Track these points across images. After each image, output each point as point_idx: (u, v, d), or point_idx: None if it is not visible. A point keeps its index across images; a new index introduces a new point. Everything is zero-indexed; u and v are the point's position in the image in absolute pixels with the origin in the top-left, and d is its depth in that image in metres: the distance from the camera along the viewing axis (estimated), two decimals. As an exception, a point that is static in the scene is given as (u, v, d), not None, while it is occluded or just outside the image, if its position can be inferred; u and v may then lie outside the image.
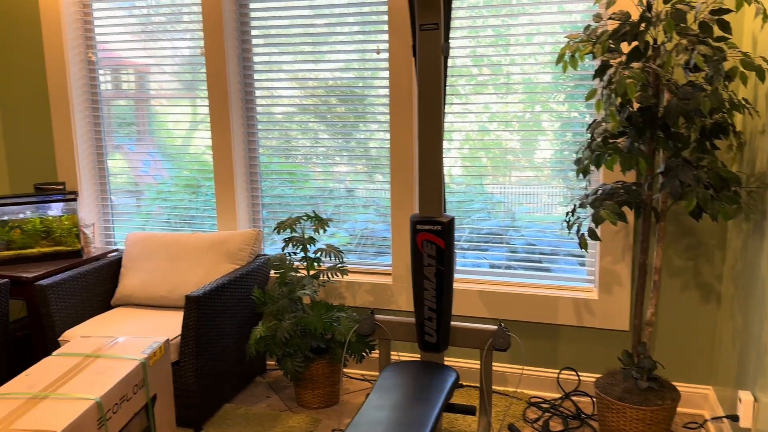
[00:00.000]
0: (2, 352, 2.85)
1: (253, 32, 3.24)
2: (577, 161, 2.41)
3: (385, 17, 3.02)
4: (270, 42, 3.23)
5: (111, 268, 3.19)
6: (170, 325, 2.80)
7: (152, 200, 3.60)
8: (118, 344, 2.24)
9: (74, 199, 3.29)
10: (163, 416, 2.27)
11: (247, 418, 2.81)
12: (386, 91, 3.10)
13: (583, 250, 2.35)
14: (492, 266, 3.13)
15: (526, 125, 2.94)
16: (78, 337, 2.35)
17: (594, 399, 2.94)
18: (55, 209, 3.30)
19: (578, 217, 2.43)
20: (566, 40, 2.79)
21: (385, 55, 3.07)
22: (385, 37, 3.05)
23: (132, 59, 3.47)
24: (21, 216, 3.25)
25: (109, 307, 3.18)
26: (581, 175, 2.40)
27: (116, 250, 3.49)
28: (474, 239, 3.13)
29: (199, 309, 2.62)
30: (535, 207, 3.03)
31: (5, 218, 3.22)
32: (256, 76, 3.29)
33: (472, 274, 3.15)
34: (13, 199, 3.23)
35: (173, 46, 3.37)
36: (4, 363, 2.87)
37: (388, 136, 3.14)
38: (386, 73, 3.08)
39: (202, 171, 3.49)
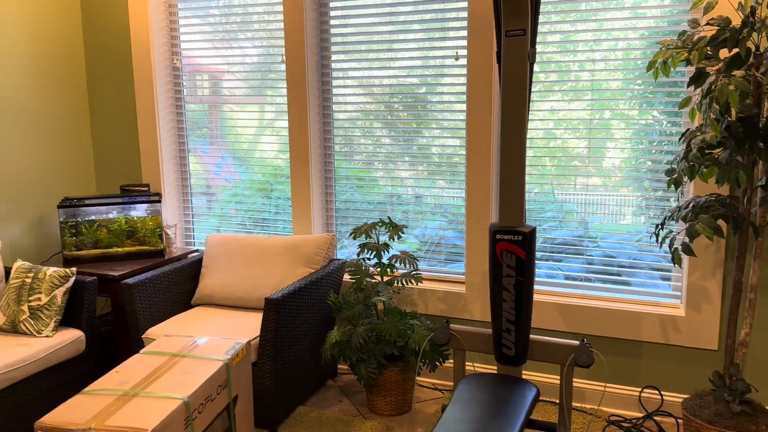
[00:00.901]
0: (90, 348, 2.97)
1: (333, 39, 3.27)
2: (669, 171, 2.31)
3: (465, 23, 2.99)
4: (347, 48, 3.25)
5: (192, 268, 3.28)
6: (248, 326, 2.85)
7: (227, 202, 3.69)
8: (202, 344, 2.30)
9: (158, 201, 3.41)
10: (243, 417, 2.31)
11: (320, 422, 2.83)
12: (462, 98, 3.07)
13: (676, 265, 2.24)
14: (567, 278, 3.04)
15: (595, 132, 2.85)
16: (163, 336, 2.42)
17: (679, 420, 2.81)
18: (140, 210, 3.42)
19: (670, 231, 2.32)
20: (638, 45, 2.69)
21: (462, 62, 3.03)
22: (464, 42, 3.02)
23: (209, 65, 3.56)
24: (107, 216, 3.39)
25: (189, 306, 3.27)
26: (673, 187, 2.29)
27: (196, 251, 3.59)
28: (547, 249, 3.06)
29: (277, 311, 2.65)
30: (608, 216, 2.92)
31: (93, 218, 3.37)
32: (334, 83, 3.32)
33: (547, 286, 3.07)
34: (101, 200, 3.37)
35: (246, 53, 3.44)
36: (92, 358, 2.99)
37: (461, 142, 3.11)
38: (461, 80, 3.04)
39: (273, 175, 3.54)
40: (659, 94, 2.72)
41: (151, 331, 2.87)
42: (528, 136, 2.96)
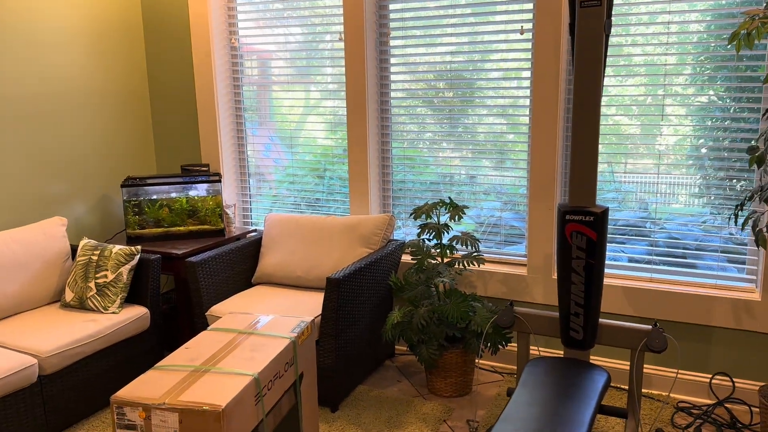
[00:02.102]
0: (154, 325, 3.03)
1: (392, 15, 3.21)
2: (752, 149, 2.19)
3: (531, -4, 2.90)
4: (405, 25, 3.19)
5: (251, 248, 3.30)
6: (309, 305, 2.85)
7: (280, 183, 3.69)
8: (268, 322, 2.30)
9: (219, 180, 3.43)
10: (308, 394, 2.31)
11: (380, 401, 2.82)
12: (525, 74, 2.98)
13: (762, 248, 2.14)
14: (630, 260, 2.94)
15: (649, 110, 2.73)
16: (228, 313, 2.44)
17: (753, 407, 2.70)
18: (200, 189, 3.45)
19: (754, 211, 2.21)
20: (694, 18, 2.55)
21: (527, 36, 2.94)
22: (530, 16, 2.92)
23: (261, 46, 3.55)
24: (169, 195, 3.43)
25: (250, 285, 3.30)
26: (755, 165, 2.18)
27: (255, 230, 3.62)
28: (610, 231, 2.95)
29: (339, 291, 2.65)
30: (670, 198, 2.80)
31: (155, 197, 3.42)
32: (392, 61, 3.27)
33: (611, 269, 2.98)
34: (163, 179, 3.41)
35: (299, 33, 3.42)
36: (156, 335, 3.05)
37: (514, 121, 3.02)
38: (526, 55, 2.95)
39: (325, 156, 3.52)
40: (722, 70, 2.58)
41: (215, 309, 2.90)
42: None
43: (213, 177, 3.43)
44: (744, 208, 2.26)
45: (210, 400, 1.78)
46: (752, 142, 2.60)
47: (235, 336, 2.20)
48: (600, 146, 2.88)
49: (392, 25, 3.23)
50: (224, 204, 3.53)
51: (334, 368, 2.71)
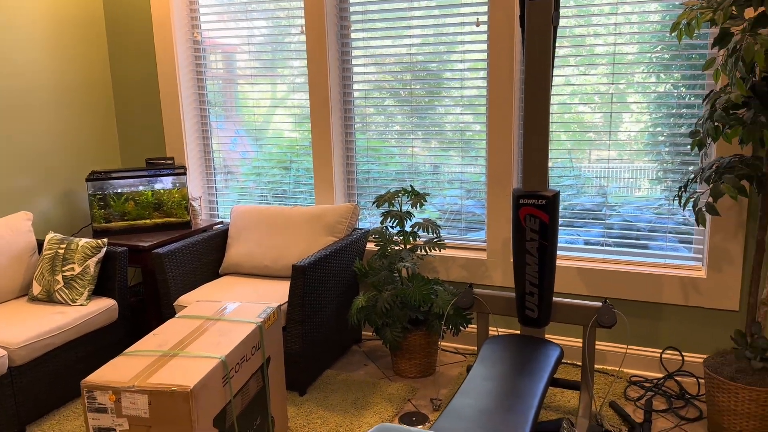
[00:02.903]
0: (123, 316, 3.06)
1: (352, 8, 3.28)
2: (693, 133, 2.32)
3: (486, -11, 2.99)
4: (366, 18, 3.26)
5: (218, 239, 3.35)
6: (276, 293, 2.92)
7: (247, 175, 3.74)
8: (235, 309, 2.37)
9: (184, 173, 3.47)
10: (275, 378, 2.38)
11: (347, 384, 2.91)
12: (482, 65, 3.08)
13: (700, 225, 2.27)
14: (587, 243, 3.07)
15: (610, 100, 2.86)
16: (195, 302, 2.50)
17: (700, 379, 2.86)
18: (165, 183, 3.48)
19: (694, 192, 2.34)
20: (654, 8, 2.69)
21: (483, 28, 3.04)
22: (485, 9, 3.02)
23: (224, 39, 3.59)
24: (134, 189, 3.46)
25: (217, 276, 3.35)
26: (696, 148, 2.31)
27: (221, 222, 3.66)
28: (567, 215, 3.09)
29: (305, 278, 2.72)
30: (627, 183, 2.94)
31: (120, 191, 3.44)
32: (356, 53, 3.34)
33: (568, 251, 3.11)
34: (128, 173, 3.43)
35: (262, 27, 3.47)
36: (124, 327, 3.09)
37: (476, 111, 3.13)
38: (482, 46, 3.05)
39: (291, 148, 3.59)
40: (678, 58, 2.72)
41: (182, 299, 2.95)
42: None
43: (178, 170, 3.47)
44: (688, 189, 2.39)
45: (178, 382, 1.84)
46: (690, 127, 2.74)
47: (203, 322, 2.26)
48: (563, 134, 3.00)
49: (355, 17, 3.30)
50: (190, 196, 3.56)
51: (301, 353, 2.78)
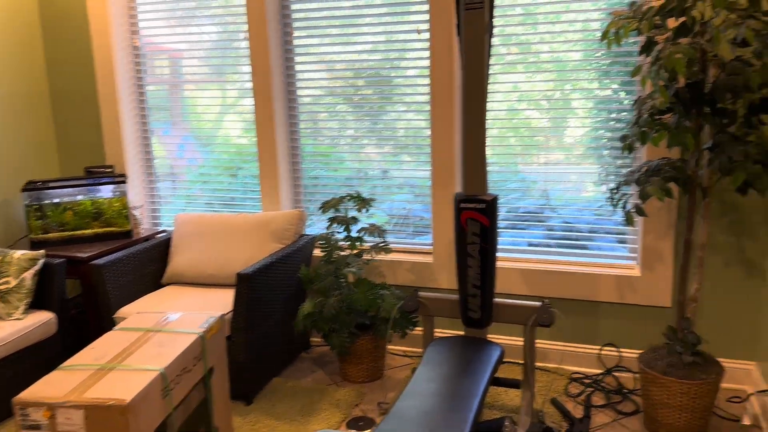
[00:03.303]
0: (62, 330, 2.98)
1: (294, 15, 3.29)
2: (623, 137, 2.42)
3: (425, -3, 3.04)
4: (309, 25, 3.27)
5: (160, 248, 3.30)
6: (221, 302, 2.89)
7: (192, 183, 3.70)
8: (176, 319, 2.34)
9: (124, 182, 3.40)
10: (219, 388, 2.36)
11: (295, 392, 2.90)
12: (418, 72, 3.13)
13: (629, 226, 2.36)
14: (530, 244, 3.15)
15: (555, 105, 2.95)
16: (135, 313, 2.45)
17: (636, 374, 2.96)
18: (105, 191, 3.41)
19: (624, 194, 2.44)
20: (596, 17, 2.79)
21: (424, 36, 3.09)
22: (425, 17, 3.07)
23: (168, 45, 3.54)
24: (73, 198, 3.37)
25: (160, 286, 3.30)
26: (627, 152, 2.40)
27: (164, 231, 3.60)
28: (511, 218, 3.16)
29: (250, 286, 2.70)
30: (569, 186, 3.04)
31: (58, 201, 3.35)
32: (297, 59, 3.34)
33: (511, 253, 3.18)
34: (66, 182, 3.35)
35: (205, 31, 3.44)
36: (64, 340, 3.00)
37: (422, 117, 3.18)
38: (425, 54, 3.10)
39: (238, 154, 3.56)
40: (616, 65, 2.82)
41: (123, 311, 2.89)
42: (492, 112, 3.05)
43: (118, 178, 3.40)
44: (619, 191, 2.48)
45: (116, 396, 1.81)
46: (617, 130, 2.85)
47: (143, 334, 2.23)
48: (512, 139, 3.06)
49: (298, 24, 3.30)
50: (131, 205, 3.50)
51: (247, 362, 2.76)
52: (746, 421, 2.57)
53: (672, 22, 2.51)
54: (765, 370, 2.63)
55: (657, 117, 2.27)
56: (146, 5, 3.54)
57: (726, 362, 2.84)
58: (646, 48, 2.29)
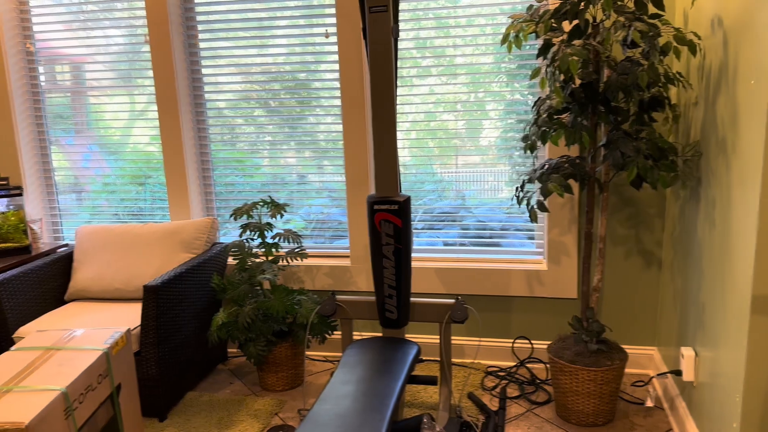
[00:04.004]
0: (-48, 354, 2.77)
1: (198, 18, 3.21)
2: (524, 138, 2.51)
3: (333, 0, 3.05)
4: (215, 28, 3.21)
5: (62, 263, 3.13)
6: (128, 317, 2.78)
7: (98, 194, 3.53)
8: (79, 336, 2.22)
9: (20, 194, 3.21)
10: (128, 405, 2.26)
11: (211, 405, 2.82)
12: (336, 75, 3.13)
13: (533, 222, 2.45)
14: (446, 244, 3.22)
15: (471, 108, 3.03)
16: (35, 332, 2.31)
17: (547, 364, 3.07)
18: (0, 205, 3.20)
19: (528, 192, 2.53)
20: (507, 22, 2.89)
21: (333, 39, 3.09)
22: (333, 20, 3.07)
23: (68, 50, 3.38)
24: (-37, 214, 3.15)
25: (63, 303, 3.12)
26: (529, 151, 2.49)
27: (66, 245, 3.42)
28: (427, 219, 3.21)
29: (158, 298, 2.61)
30: (484, 187, 3.13)
31: (-54, 217, 3.11)
32: (203, 63, 3.27)
33: (428, 253, 3.23)
34: (-46, 197, 3.12)
35: (109, 35, 3.31)
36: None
37: (339, 121, 3.18)
38: (335, 57, 3.11)
39: (147, 162, 3.44)
40: (523, 68, 2.92)
41: (22, 330, 2.72)
42: (410, 116, 3.09)
43: (13, 191, 3.20)
44: (523, 189, 2.57)
45: (12, 419, 1.70)
46: (523, 133, 2.96)
47: (42, 353, 2.10)
48: (430, 141, 3.10)
49: (203, 27, 3.22)
50: (28, 219, 3.30)
51: (158, 377, 2.66)
52: (649, 403, 2.72)
53: (567, 25, 2.63)
54: (665, 355, 2.79)
55: (555, 117, 2.37)
56: (41, 8, 3.35)
57: (629, 348, 3.00)
58: (544, 50, 2.39)
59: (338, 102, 3.16)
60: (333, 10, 3.06)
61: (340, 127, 3.20)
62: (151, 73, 3.31)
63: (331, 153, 3.24)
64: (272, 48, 3.17)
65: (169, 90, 3.20)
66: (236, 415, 2.73)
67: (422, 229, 3.22)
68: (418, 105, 3.08)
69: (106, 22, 3.30)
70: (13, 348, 2.16)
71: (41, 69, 3.45)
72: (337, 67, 3.12)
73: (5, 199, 3.20)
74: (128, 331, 2.27)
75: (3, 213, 3.20)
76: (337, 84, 3.14)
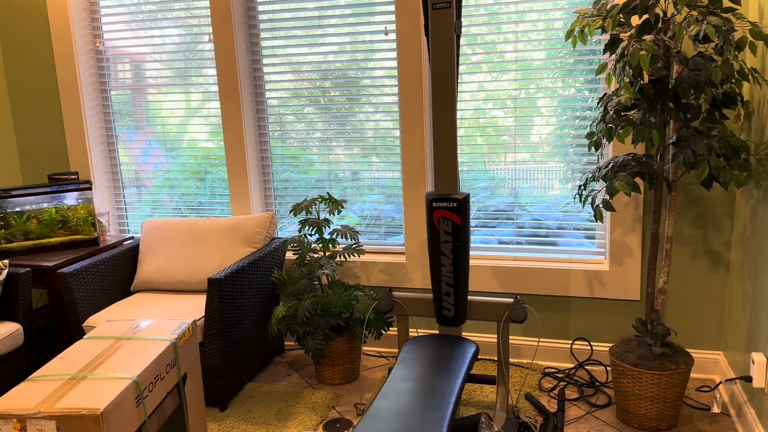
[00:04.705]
0: (29, 341, 2.90)
1: (261, 16, 3.26)
2: (589, 134, 2.46)
3: (393, -2, 3.05)
4: (275, 26, 3.25)
5: (128, 255, 3.24)
6: (192, 308, 2.85)
7: (159, 188, 3.64)
8: (147, 326, 2.30)
9: (89, 188, 3.33)
10: (193, 395, 2.33)
11: (270, 396, 2.88)
12: (386, 72, 3.13)
13: (598, 221, 2.40)
14: (500, 242, 3.19)
15: (521, 104, 2.99)
16: (105, 322, 2.40)
17: (608, 367, 3.01)
18: (70, 199, 3.34)
19: (592, 190, 2.48)
20: (559, 16, 2.83)
21: (389, 37, 3.09)
22: (391, 18, 3.07)
23: (129, 48, 3.49)
24: (37, 206, 3.29)
25: (129, 293, 3.24)
26: (593, 149, 2.44)
27: (131, 238, 3.54)
28: (481, 217, 3.19)
29: (221, 291, 2.67)
30: (535, 184, 3.08)
31: (21, 209, 3.26)
32: (264, 61, 3.32)
33: (483, 251, 3.20)
34: (28, 190, 3.26)
35: (167, 34, 3.39)
36: (31, 351, 2.93)
37: (388, 118, 3.18)
38: (392, 54, 3.11)
39: (206, 158, 3.52)
40: (580, 63, 2.87)
41: (92, 319, 2.83)
42: (459, 112, 3.07)
43: (83, 185, 3.33)
44: (587, 187, 2.52)
45: (88, 405, 1.77)
46: (588, 128, 2.90)
47: (113, 342, 2.18)
48: (479, 138, 3.09)
49: (264, 25, 3.27)
50: (97, 212, 3.43)
51: (220, 368, 2.73)
52: (715, 409, 2.63)
53: (636, 20, 2.56)
54: (732, 360, 2.70)
55: (623, 114, 2.31)
56: (108, 8, 3.47)
57: (695, 353, 2.91)
58: (611, 45, 2.33)
59: (388, 99, 3.17)
60: (392, 8, 3.06)
61: (389, 124, 3.20)
62: (206, 70, 3.38)
63: (380, 149, 3.25)
64: (324, 46, 3.20)
65: (232, 88, 3.27)
66: (294, 407, 2.77)
67: (476, 226, 3.20)
68: (467, 101, 3.05)
69: (164, 21, 3.39)
70: (85, 337, 2.25)
71: (109, 67, 3.57)
72: (387, 64, 3.13)
73: (75, 193, 3.33)
74: (194, 322, 2.33)
75: (73, 206, 3.33)
76: (387, 81, 3.15)
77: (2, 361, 2.77)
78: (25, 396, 1.83)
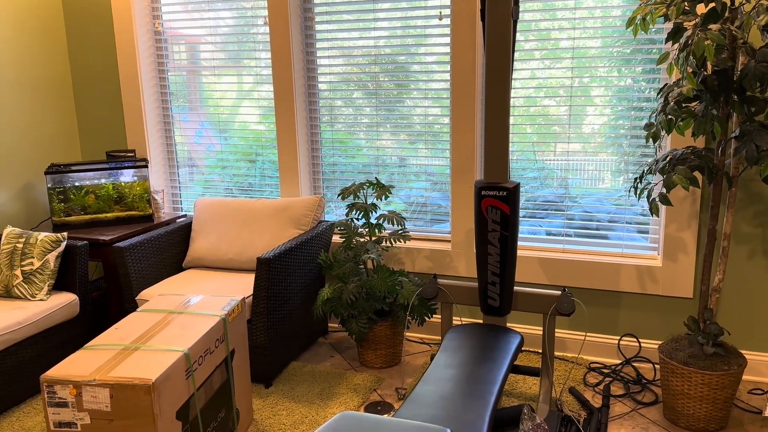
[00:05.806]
0: (84, 311, 3.02)
1: (316, 1, 3.28)
2: (647, 126, 2.39)
3: (448, -17, 3.02)
4: (330, 10, 3.26)
5: (181, 232, 3.32)
6: (240, 286, 2.92)
7: (211, 168, 3.71)
8: (198, 302, 2.36)
9: (145, 166, 3.43)
10: (240, 370, 2.38)
11: (313, 376, 2.92)
12: (435, 59, 3.11)
13: (653, 215, 2.34)
14: (549, 234, 3.14)
15: (575, 94, 2.92)
16: (158, 295, 2.48)
17: (656, 365, 2.95)
18: (127, 176, 3.44)
19: (648, 183, 2.41)
20: (617, 3, 2.75)
21: (443, 22, 3.07)
22: (446, 2, 3.04)
23: (185, 30, 3.55)
24: (95, 182, 3.40)
25: (180, 269, 3.32)
26: (650, 141, 2.38)
27: (184, 216, 3.63)
28: (530, 207, 3.14)
29: (269, 270, 2.72)
30: (585, 176, 3.01)
31: (80, 184, 3.38)
32: (317, 45, 3.34)
33: (530, 242, 3.17)
34: (88, 166, 3.38)
35: (221, 17, 3.44)
36: (86, 321, 3.05)
37: (436, 104, 3.16)
38: (445, 39, 3.08)
39: (257, 140, 3.57)
40: (638, 52, 2.78)
41: (145, 293, 2.92)
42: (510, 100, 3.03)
43: (139, 162, 3.42)
44: (643, 180, 2.46)
45: (140, 375, 1.83)
46: (647, 119, 2.82)
47: (165, 315, 2.25)
48: (528, 128, 3.04)
49: (319, 9, 3.29)
50: (152, 190, 3.52)
51: (266, 345, 2.78)
52: (767, 413, 2.55)
53: (701, 8, 2.47)
54: (787, 363, 2.60)
55: (684, 105, 2.24)
56: (168, -10, 3.54)
57: (748, 354, 2.82)
58: (674, 34, 2.26)
59: (437, 85, 3.14)
60: (448, -8, 3.03)
61: (437, 111, 3.18)
62: (258, 53, 3.42)
63: (427, 136, 3.23)
64: (375, 31, 3.19)
65: (285, 71, 3.30)
66: (336, 388, 2.81)
67: (524, 217, 3.16)
68: (518, 89, 3.00)
69: (219, 4, 3.43)
70: (139, 309, 2.33)
71: (168, 48, 3.65)
72: (439, 50, 3.10)
73: (132, 170, 3.43)
74: (243, 299, 2.38)
75: (129, 183, 3.43)
76: (437, 67, 3.12)
77: (58, 329, 2.90)
78: (81, 364, 1.91)
